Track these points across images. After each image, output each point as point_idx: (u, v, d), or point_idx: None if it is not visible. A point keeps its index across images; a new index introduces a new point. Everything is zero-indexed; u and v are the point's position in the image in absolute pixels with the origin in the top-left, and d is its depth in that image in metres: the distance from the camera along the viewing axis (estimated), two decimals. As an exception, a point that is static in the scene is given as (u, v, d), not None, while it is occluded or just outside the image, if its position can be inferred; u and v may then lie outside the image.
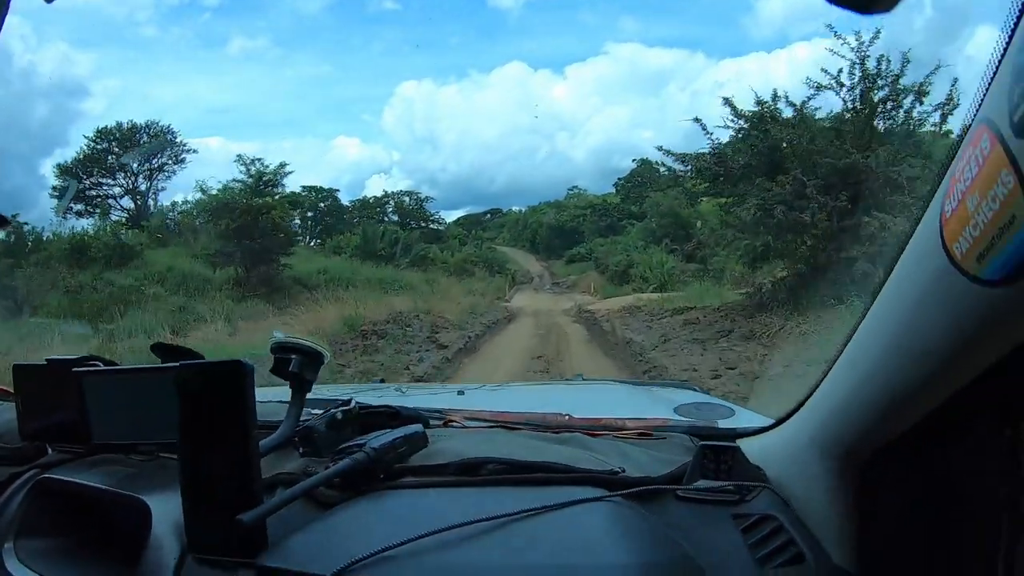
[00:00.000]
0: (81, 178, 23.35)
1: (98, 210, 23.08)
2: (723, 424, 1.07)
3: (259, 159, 23.77)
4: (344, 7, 56.96)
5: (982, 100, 0.40)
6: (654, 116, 57.26)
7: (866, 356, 0.57)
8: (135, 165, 24.05)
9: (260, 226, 17.16)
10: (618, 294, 20.84)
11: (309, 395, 0.94)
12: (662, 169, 11.95)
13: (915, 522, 0.62)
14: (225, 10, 52.71)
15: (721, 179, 10.44)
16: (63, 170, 23.62)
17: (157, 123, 25.28)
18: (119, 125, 24.87)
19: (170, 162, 25.15)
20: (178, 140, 25.52)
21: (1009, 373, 0.45)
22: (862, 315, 0.57)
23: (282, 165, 23.85)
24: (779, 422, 0.83)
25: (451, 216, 45.29)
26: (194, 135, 55.20)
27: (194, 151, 26.06)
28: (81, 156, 24.13)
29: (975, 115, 0.41)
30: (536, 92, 60.14)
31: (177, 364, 0.73)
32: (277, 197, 20.52)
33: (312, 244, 29.94)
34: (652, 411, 1.23)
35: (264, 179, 22.62)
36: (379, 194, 38.32)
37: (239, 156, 23.26)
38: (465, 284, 22.59)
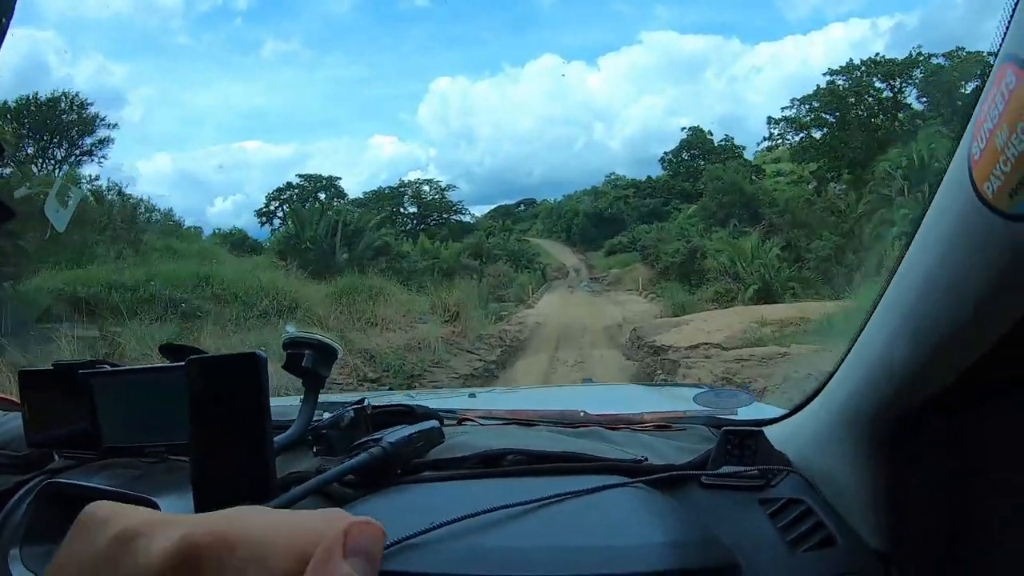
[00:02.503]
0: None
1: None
2: (742, 413, 1.08)
3: None
4: (374, 6, 59.42)
5: (1003, 38, 0.41)
6: (691, 103, 58.57)
7: (894, 317, 0.57)
8: (55, 151, 18.90)
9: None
10: (696, 305, 13.70)
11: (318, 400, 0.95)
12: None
13: (948, 496, 0.62)
14: (255, 15, 55.80)
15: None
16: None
17: (67, 95, 19.84)
18: (21, 100, 19.45)
19: (90, 142, 19.77)
20: (98, 117, 20.00)
21: None
22: (887, 279, 0.57)
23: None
24: (799, 407, 0.84)
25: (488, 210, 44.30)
26: (232, 139, 59.08)
27: (115, 125, 20.80)
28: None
29: (997, 55, 0.42)
30: (570, 83, 61.74)
31: (185, 362, 0.75)
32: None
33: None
34: (668, 406, 1.25)
35: None
36: (395, 183, 35.35)
37: None
38: (434, 295, 14.50)
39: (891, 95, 20.26)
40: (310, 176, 32.12)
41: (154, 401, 0.86)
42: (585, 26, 75.09)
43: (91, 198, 13.11)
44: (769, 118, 23.21)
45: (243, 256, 19.15)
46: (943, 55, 19.78)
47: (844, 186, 18.85)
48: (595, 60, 76.17)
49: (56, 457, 1.01)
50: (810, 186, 19.93)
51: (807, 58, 45.67)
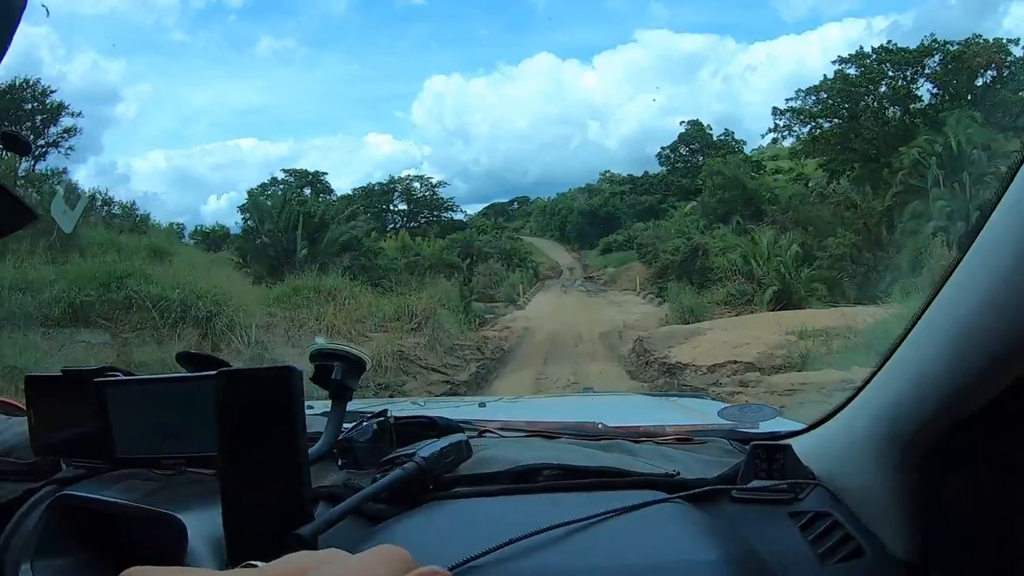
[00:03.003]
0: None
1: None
2: (764, 427, 1.08)
3: None
4: (371, 5, 59.36)
5: None
6: (686, 102, 58.39)
7: (939, 332, 0.57)
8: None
9: None
10: (707, 309, 12.07)
11: None
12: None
13: (986, 510, 0.62)
14: (251, 13, 55.51)
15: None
16: None
17: (28, 81, 18.38)
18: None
19: (55, 132, 18.32)
20: (63, 105, 18.59)
21: None
22: (932, 293, 0.57)
23: None
24: (821, 421, 0.84)
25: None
26: (227, 137, 59.65)
27: (79, 114, 19.38)
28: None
29: None
30: (565, 82, 62.62)
31: (213, 373, 0.73)
32: None
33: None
34: (681, 417, 1.25)
35: None
36: (384, 180, 34.20)
37: None
38: (403, 297, 11.87)
39: (904, 84, 19.20)
40: (296, 171, 31.21)
41: (172, 411, 0.84)
42: (581, 25, 78.55)
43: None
44: (775, 109, 22.41)
45: (219, 253, 18.00)
46: (959, 43, 18.79)
47: (850, 183, 17.88)
48: (590, 59, 78.23)
49: (64, 466, 0.98)
50: (812, 183, 19.12)
51: (803, 57, 46.37)
